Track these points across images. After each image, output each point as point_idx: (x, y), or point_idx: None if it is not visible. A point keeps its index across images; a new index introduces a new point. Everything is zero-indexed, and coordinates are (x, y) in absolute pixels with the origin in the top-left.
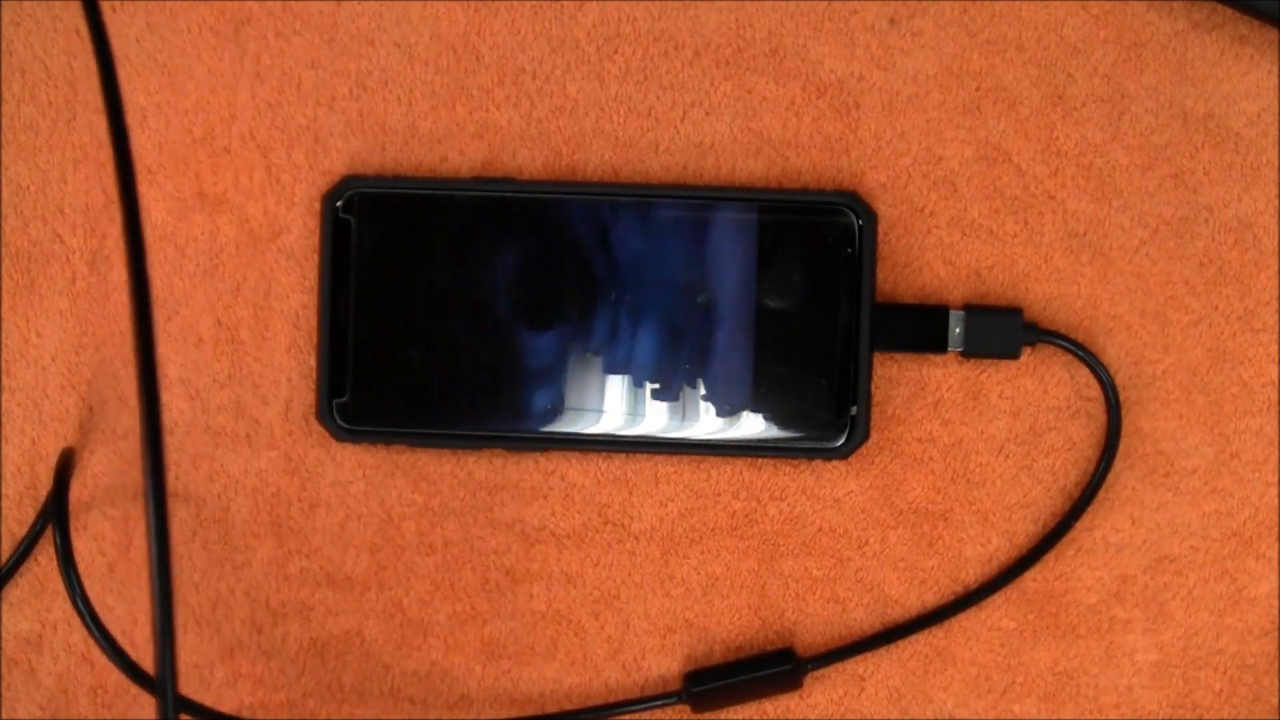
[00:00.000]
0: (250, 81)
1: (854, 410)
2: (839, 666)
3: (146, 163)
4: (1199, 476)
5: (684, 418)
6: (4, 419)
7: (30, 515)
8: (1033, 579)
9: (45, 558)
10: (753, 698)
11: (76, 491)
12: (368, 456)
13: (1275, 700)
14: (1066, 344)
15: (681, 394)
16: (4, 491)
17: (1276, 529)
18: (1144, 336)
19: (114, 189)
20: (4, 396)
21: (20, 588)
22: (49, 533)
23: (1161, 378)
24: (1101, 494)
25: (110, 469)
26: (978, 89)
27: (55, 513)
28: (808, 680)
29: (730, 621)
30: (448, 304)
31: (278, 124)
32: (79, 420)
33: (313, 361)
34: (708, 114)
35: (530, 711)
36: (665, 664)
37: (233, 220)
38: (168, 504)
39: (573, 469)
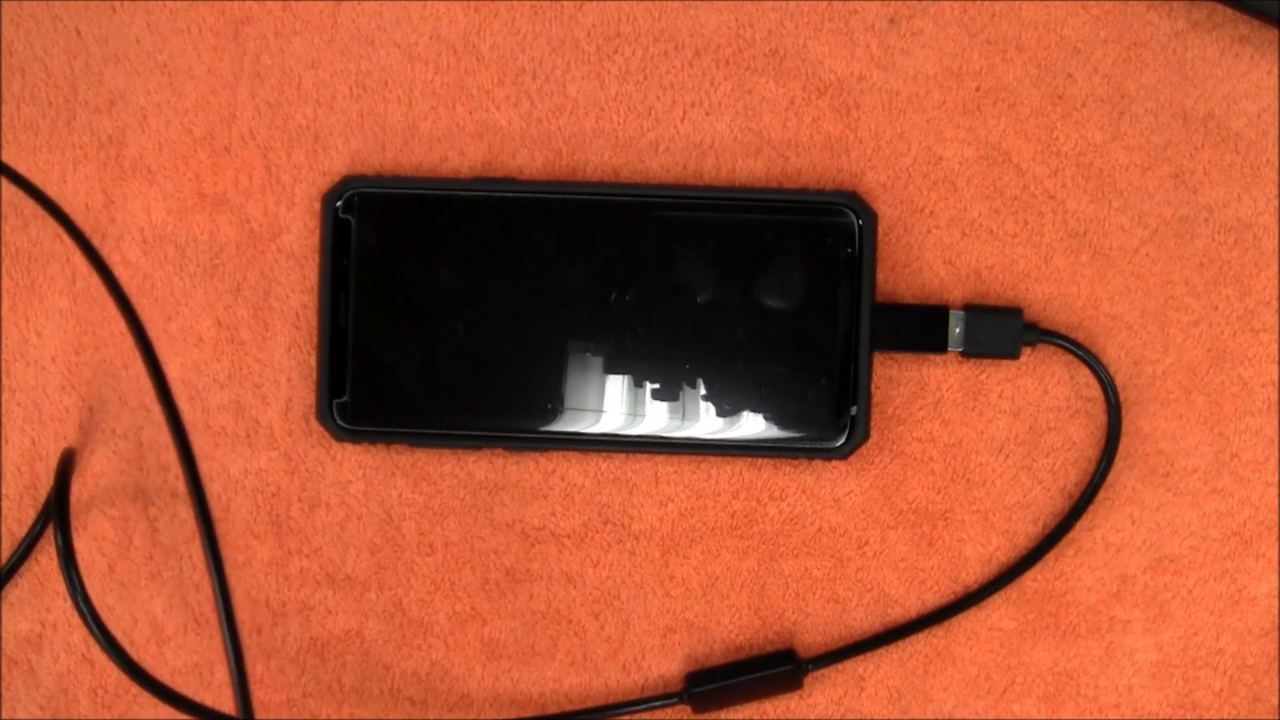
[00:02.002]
0: (250, 81)
1: (854, 410)
2: (839, 667)
3: (147, 163)
4: (1199, 476)
5: (684, 418)
6: (4, 419)
7: (30, 515)
8: (1033, 579)
9: (45, 557)
10: (753, 698)
11: (76, 491)
12: (368, 456)
13: (1275, 700)
14: (1066, 344)
15: (681, 394)
16: (4, 491)
17: (1276, 529)
18: (1144, 336)
19: (114, 189)
20: (4, 396)
21: (20, 588)
22: (49, 533)
23: (1161, 378)
24: (1101, 494)
25: (110, 469)
26: (978, 89)
27: (56, 512)
28: (808, 680)
29: (730, 621)
30: (447, 304)
31: (278, 124)
32: (79, 420)
33: (313, 361)
34: (708, 114)
35: (530, 712)
36: (665, 664)
37: (233, 220)
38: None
39: (573, 469)
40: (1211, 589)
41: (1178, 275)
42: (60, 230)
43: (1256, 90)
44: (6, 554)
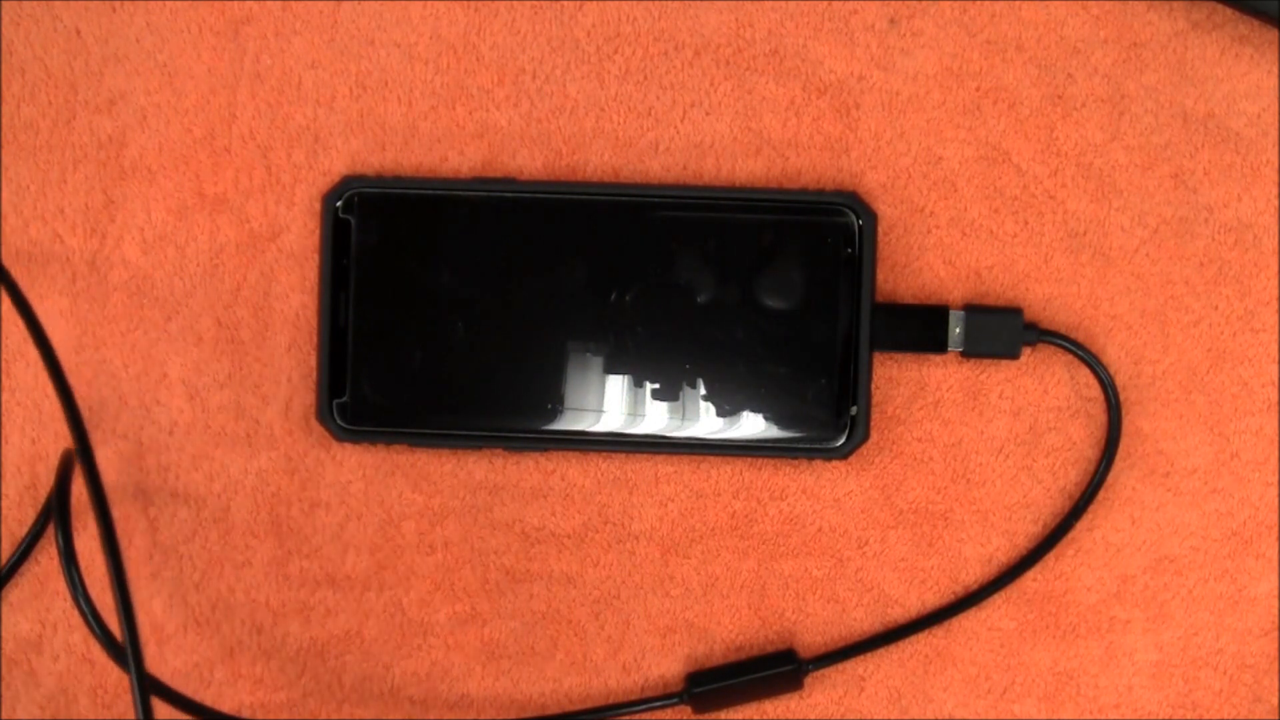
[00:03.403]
0: (250, 81)
1: (854, 410)
2: (839, 667)
3: (147, 163)
4: (1199, 476)
5: (684, 418)
6: (4, 419)
7: (30, 515)
8: (1033, 579)
9: (45, 557)
10: (753, 698)
11: (76, 491)
12: (368, 456)
13: (1275, 700)
14: (1066, 344)
15: (681, 394)
16: (4, 491)
17: (1276, 529)
18: (1144, 336)
19: (114, 189)
20: (4, 396)
21: (20, 588)
22: (49, 533)
23: (1161, 378)
24: (1101, 494)
25: (110, 469)
26: (978, 89)
27: (57, 512)
28: (808, 680)
29: (730, 622)
30: (447, 304)
31: (278, 124)
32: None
33: (313, 361)
34: (708, 114)
35: (530, 712)
36: (665, 664)
37: (233, 220)
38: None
39: (573, 469)
40: (1211, 589)
41: (1178, 275)
42: (60, 230)
43: (1256, 90)
44: (6, 554)
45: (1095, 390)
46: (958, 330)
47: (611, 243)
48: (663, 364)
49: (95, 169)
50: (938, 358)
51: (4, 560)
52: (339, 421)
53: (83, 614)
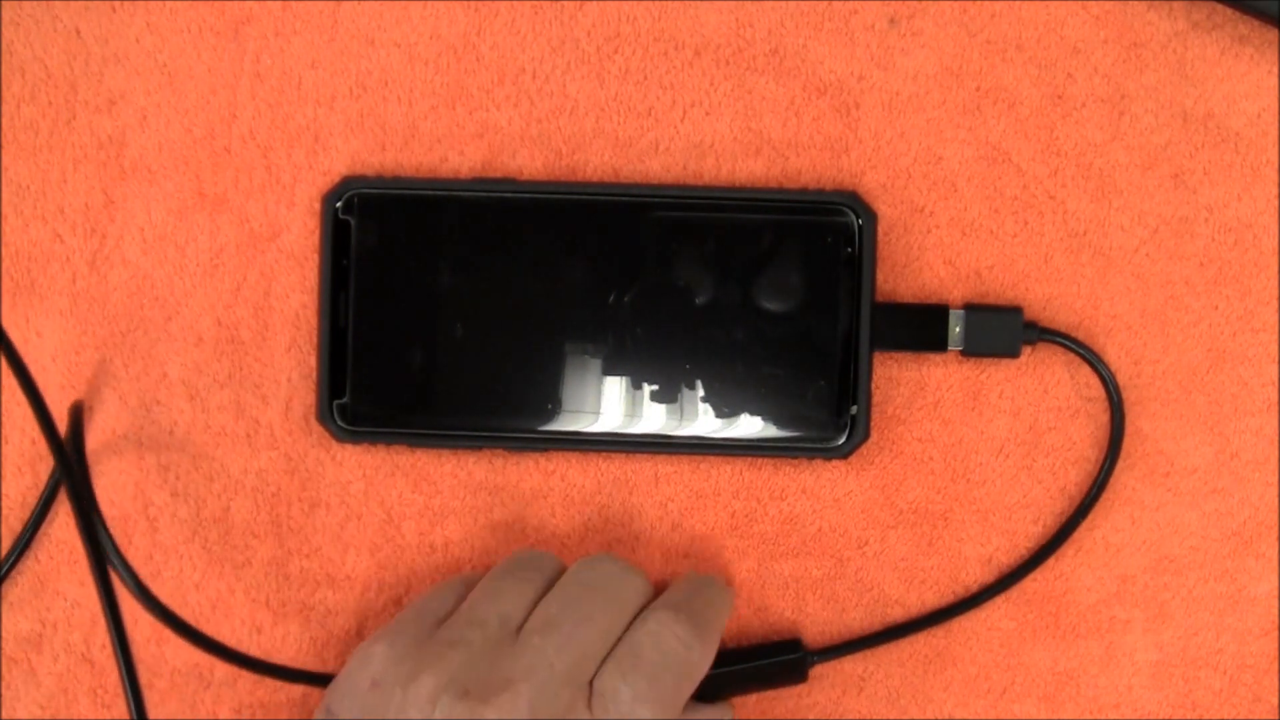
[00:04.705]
0: (250, 81)
1: (854, 410)
2: (840, 667)
3: (147, 163)
4: (1199, 476)
5: (683, 418)
6: (4, 418)
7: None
8: (1033, 579)
9: (45, 556)
10: (757, 687)
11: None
12: (368, 456)
13: (1275, 700)
14: (1067, 342)
15: (681, 394)
16: (4, 491)
17: (1276, 529)
18: (1144, 336)
19: (114, 189)
20: (4, 396)
21: (20, 587)
22: (48, 531)
23: (1161, 378)
24: (1101, 494)
25: (110, 469)
26: (978, 89)
27: (75, 462)
28: (808, 679)
29: (730, 622)
30: (447, 304)
31: (278, 124)
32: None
33: (313, 361)
34: (708, 114)
35: None
36: None
37: (233, 220)
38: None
39: (573, 469)
40: (1211, 589)
41: (1178, 275)
42: (60, 230)
43: (1256, 90)
44: (7, 548)
45: (1096, 390)
46: (958, 329)
47: (611, 243)
48: (662, 364)
49: (95, 169)
50: (938, 357)
51: (18, 534)
52: (339, 422)
53: (106, 561)
